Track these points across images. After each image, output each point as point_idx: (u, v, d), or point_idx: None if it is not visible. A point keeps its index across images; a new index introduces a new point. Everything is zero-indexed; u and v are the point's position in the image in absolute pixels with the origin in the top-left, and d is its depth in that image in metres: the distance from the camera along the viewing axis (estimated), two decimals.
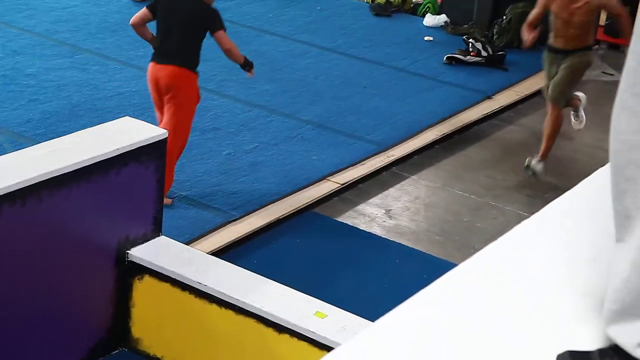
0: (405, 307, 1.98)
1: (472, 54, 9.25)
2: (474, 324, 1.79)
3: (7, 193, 4.23)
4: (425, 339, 1.79)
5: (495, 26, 9.71)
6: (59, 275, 4.59)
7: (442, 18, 10.18)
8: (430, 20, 10.20)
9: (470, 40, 9.33)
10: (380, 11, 10.44)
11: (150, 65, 5.88)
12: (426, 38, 9.79)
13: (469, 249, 5.85)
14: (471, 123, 8.08)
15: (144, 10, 5.84)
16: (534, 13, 6.90)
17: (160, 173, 4.98)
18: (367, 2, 10.70)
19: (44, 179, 4.38)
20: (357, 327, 4.32)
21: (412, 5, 10.65)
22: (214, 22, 5.78)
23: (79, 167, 4.52)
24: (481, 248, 2.75)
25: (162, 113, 5.91)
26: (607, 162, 1.63)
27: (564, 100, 7.02)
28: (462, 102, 8.32)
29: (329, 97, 8.08)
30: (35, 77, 7.83)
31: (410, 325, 1.88)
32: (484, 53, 9.23)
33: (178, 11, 5.78)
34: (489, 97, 8.52)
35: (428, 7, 10.45)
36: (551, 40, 6.91)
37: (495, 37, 9.64)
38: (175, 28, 5.76)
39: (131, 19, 5.85)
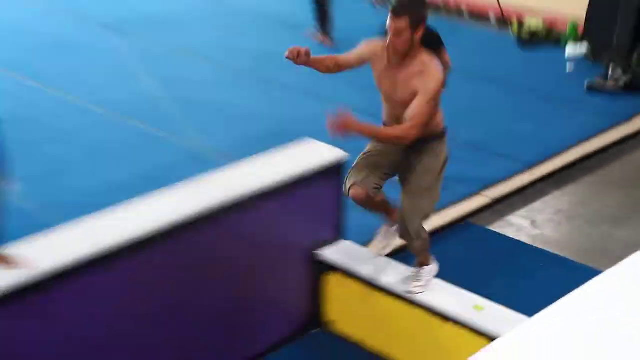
0: (560, 305, 2.10)
1: (611, 82, 9.26)
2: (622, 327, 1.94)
3: (227, 206, 4.79)
4: (578, 336, 1.98)
5: (636, 53, 9.45)
6: (267, 269, 5.20)
7: (583, 47, 10.26)
8: (572, 49, 10.33)
9: (611, 66, 9.35)
10: (525, 44, 10.77)
11: None
12: (568, 65, 10.02)
13: (612, 257, 5.49)
14: (611, 144, 8.08)
15: None
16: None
17: (339, 188, 5.42)
18: (513, 34, 11.02)
19: (252, 194, 4.88)
20: (511, 320, 4.55)
21: (556, 36, 10.79)
22: None
23: (280, 184, 5.03)
24: (624, 256, 2.90)
25: None
26: None
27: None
28: (602, 124, 8.43)
29: (479, 122, 8.42)
30: (234, 106, 8.70)
31: (565, 321, 2.07)
32: (624, 79, 9.20)
33: None
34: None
35: (570, 35, 10.60)
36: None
37: (636, 63, 9.49)
38: None
39: None
